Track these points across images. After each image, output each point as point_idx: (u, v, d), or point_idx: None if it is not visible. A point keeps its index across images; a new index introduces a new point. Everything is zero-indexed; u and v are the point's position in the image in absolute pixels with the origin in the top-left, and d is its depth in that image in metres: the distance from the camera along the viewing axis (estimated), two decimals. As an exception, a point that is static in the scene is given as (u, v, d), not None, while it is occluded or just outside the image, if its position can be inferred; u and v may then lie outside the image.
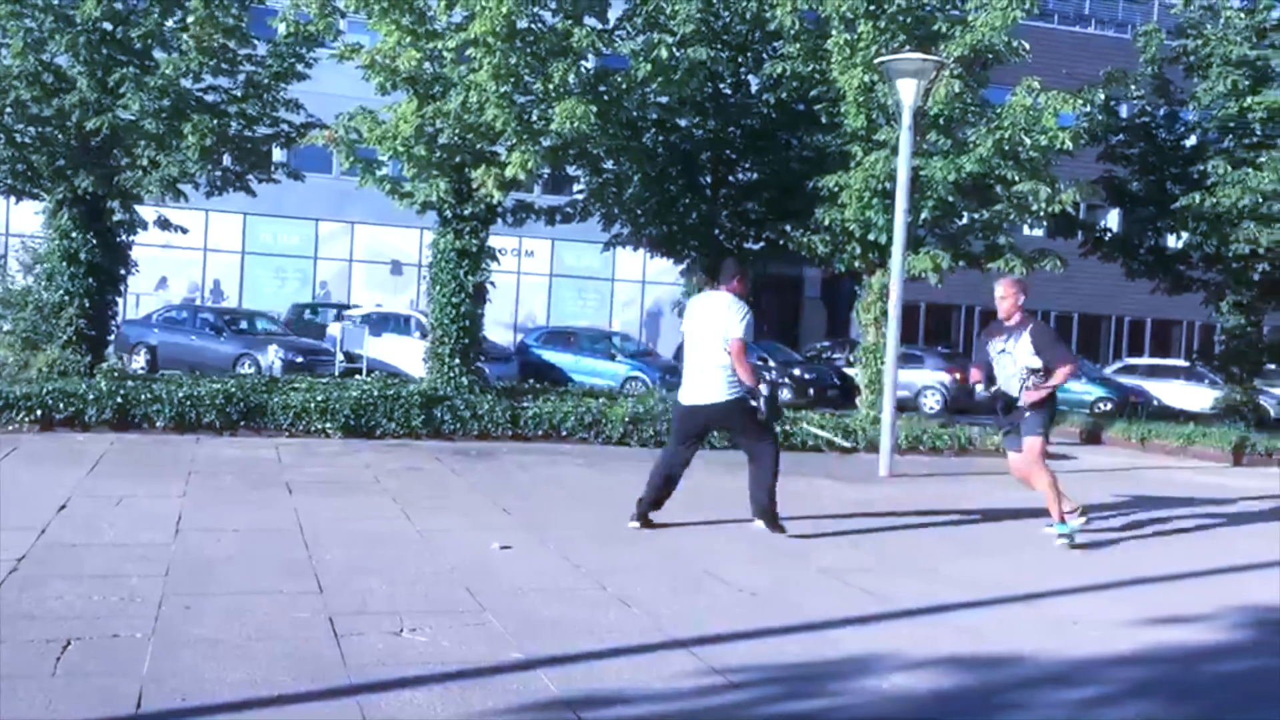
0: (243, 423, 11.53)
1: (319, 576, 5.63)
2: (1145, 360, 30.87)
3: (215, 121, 13.37)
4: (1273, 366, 20.89)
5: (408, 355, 19.48)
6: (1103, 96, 16.22)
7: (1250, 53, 16.78)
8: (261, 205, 19.60)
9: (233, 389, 11.96)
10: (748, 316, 7.28)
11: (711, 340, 7.27)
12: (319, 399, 11.84)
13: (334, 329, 22.40)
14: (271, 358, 19.76)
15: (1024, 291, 7.95)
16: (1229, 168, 16.37)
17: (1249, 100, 16.58)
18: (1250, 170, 16.17)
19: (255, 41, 14.25)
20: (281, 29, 14.00)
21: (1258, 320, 18.31)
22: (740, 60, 15.85)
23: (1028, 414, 7.66)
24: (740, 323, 7.22)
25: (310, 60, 14.37)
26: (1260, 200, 15.97)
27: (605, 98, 13.14)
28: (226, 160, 14.68)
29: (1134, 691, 4.58)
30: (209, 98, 14.10)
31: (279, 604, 5.10)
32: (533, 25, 12.65)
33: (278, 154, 15.93)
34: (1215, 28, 17.35)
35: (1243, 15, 17.45)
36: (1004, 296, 7.92)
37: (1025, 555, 7.41)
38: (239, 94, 14.26)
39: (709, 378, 7.31)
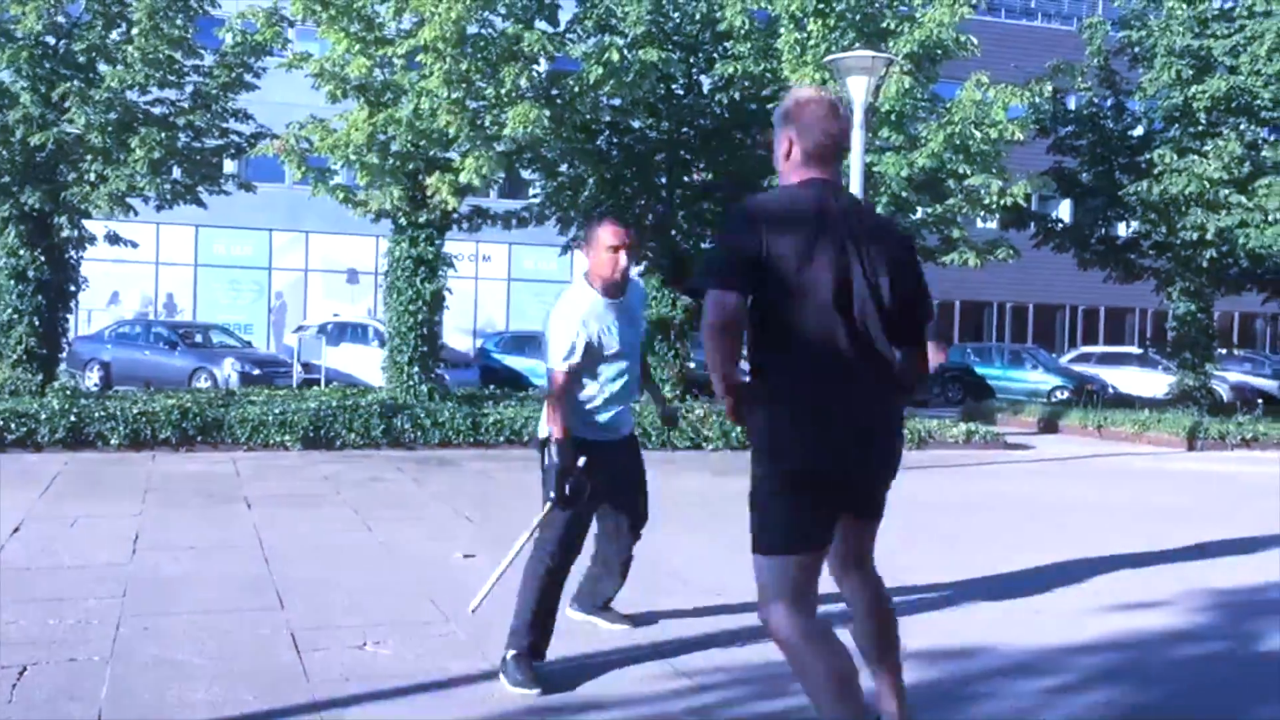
0: (199, 438, 11.38)
1: (280, 592, 5.57)
2: (1099, 348, 31.27)
3: (163, 134, 13.21)
4: (1223, 351, 21.27)
5: (366, 364, 19.37)
6: (1050, 88, 16.41)
7: (1193, 42, 17.06)
8: (213, 217, 19.38)
9: (188, 403, 11.81)
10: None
11: None
12: (277, 411, 11.72)
13: (290, 339, 22.22)
14: (228, 371, 19.57)
15: None
16: (1175, 156, 16.61)
17: (1193, 89, 16.86)
18: (1196, 158, 16.43)
19: (202, 52, 14.10)
20: (228, 39, 13.88)
21: (1207, 306, 18.61)
22: (692, 61, 15.87)
23: None
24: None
25: (258, 70, 14.24)
26: (1206, 187, 16.23)
27: (558, 101, 13.14)
28: (176, 173, 14.49)
29: (1098, 678, 4.63)
30: (156, 110, 13.94)
31: (239, 621, 5.04)
32: (483, 30, 12.63)
33: (229, 165, 15.75)
34: (1158, 18, 17.63)
35: (1184, 5, 17.72)
36: None
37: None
38: (187, 105, 14.10)
39: None
